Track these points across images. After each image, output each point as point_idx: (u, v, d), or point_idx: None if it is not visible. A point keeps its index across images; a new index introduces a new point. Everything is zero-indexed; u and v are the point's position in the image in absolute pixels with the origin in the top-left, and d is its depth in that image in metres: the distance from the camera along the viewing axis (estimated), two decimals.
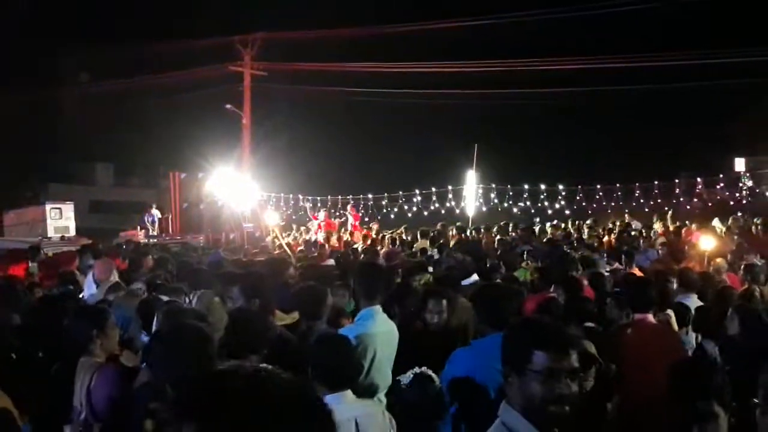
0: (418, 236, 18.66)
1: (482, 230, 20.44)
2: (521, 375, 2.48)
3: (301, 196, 29.53)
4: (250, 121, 31.44)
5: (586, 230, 20.36)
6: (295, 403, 1.26)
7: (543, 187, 26.32)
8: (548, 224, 22.53)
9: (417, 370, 3.65)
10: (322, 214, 24.58)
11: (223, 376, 1.29)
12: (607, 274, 9.08)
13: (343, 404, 3.67)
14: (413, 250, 15.42)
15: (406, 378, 3.66)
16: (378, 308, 5.05)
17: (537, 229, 21.86)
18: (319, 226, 23.25)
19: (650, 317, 5.31)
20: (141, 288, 7.62)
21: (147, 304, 5.64)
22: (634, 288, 5.60)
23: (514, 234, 19.24)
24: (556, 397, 2.42)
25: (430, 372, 3.64)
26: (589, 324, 5.49)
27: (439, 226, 22.20)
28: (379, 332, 4.93)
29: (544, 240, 17.48)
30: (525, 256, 13.10)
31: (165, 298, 5.99)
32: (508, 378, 2.55)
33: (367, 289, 5.10)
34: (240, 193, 24.33)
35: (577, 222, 22.93)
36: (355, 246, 17.82)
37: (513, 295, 4.38)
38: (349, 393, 3.74)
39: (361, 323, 4.97)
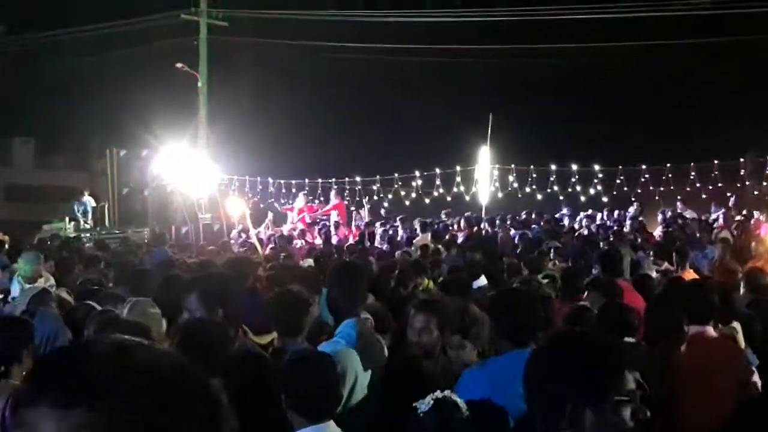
0: (418, 230, 18.68)
1: (498, 222, 20.49)
2: (596, 407, 2.50)
3: (271, 179, 29.44)
4: (207, 84, 31.30)
5: (627, 222, 20.42)
6: (171, 381, 1.29)
7: (574, 167, 26.28)
8: (581, 214, 22.59)
9: (438, 394, 3.63)
10: (300, 201, 24.61)
11: (84, 348, 1.32)
12: (656, 276, 9.12)
13: None
14: (412, 247, 15.44)
15: (424, 404, 3.63)
16: (360, 320, 5.06)
17: (566, 220, 21.92)
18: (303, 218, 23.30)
19: (710, 330, 5.31)
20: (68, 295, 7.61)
21: (76, 315, 5.62)
22: (689, 294, 5.60)
23: (537, 227, 19.30)
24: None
25: (454, 396, 3.62)
26: (630, 339, 5.50)
27: (443, 216, 22.26)
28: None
29: (576, 234, 17.55)
30: (551, 254, 13.14)
31: (98, 307, 5.97)
32: (570, 411, 2.54)
33: (347, 295, 5.11)
34: (195, 175, 24.26)
35: (616, 211, 23.00)
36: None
37: (539, 303, 4.38)
38: (332, 425, 3.76)
39: (339, 339, 4.98)
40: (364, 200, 27.24)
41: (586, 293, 7.26)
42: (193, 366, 1.36)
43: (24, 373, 4.44)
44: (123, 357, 1.28)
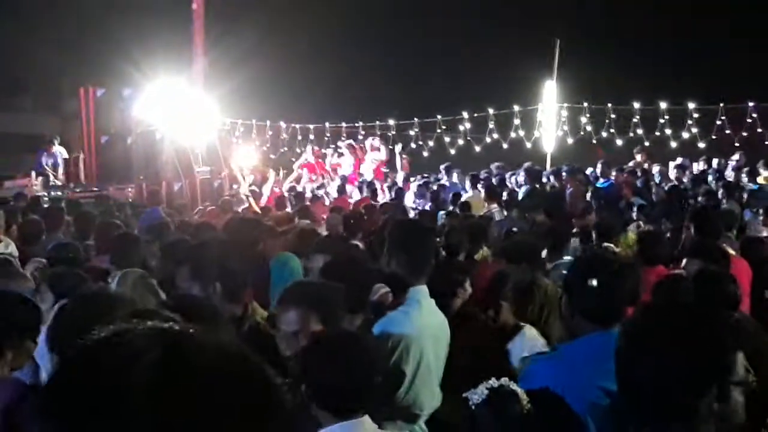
0: (467, 185, 18.65)
1: (565, 174, 20.36)
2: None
3: (283, 124, 29.43)
4: (203, 5, 31.18)
5: (730, 173, 20.23)
6: (228, 378, 1.28)
7: (663, 105, 26.01)
8: (671, 164, 22.38)
9: (493, 383, 3.60)
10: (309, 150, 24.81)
11: (112, 342, 1.30)
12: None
13: None
14: (455, 207, 15.43)
15: (477, 395, 3.61)
16: (425, 290, 5.16)
17: (655, 171, 21.73)
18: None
19: None
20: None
21: (62, 287, 5.63)
22: None
23: (615, 178, 19.19)
24: None
25: (513, 385, 3.59)
26: (735, 315, 5.52)
27: (494, 169, 22.12)
28: (426, 326, 5.03)
29: (666, 188, 17.40)
30: (635, 214, 13.07)
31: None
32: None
33: (412, 259, 5.21)
34: (190, 119, 24.29)
35: (716, 160, 22.75)
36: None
37: (627, 273, 4.32)
38: (366, 421, 3.78)
39: (399, 314, 5.06)
40: (396, 148, 27.04)
41: (684, 261, 7.24)
42: (262, 364, 1.36)
43: (10, 364, 4.48)
44: (174, 359, 1.26)
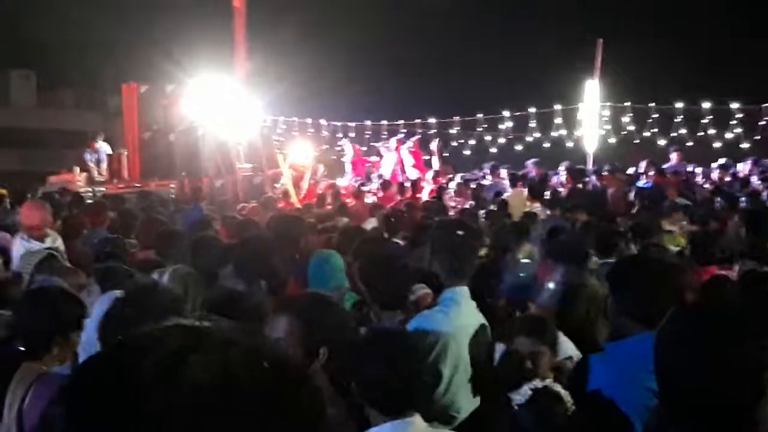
0: (507, 183, 18.62)
1: (606, 173, 20.27)
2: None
3: (325, 122, 29.44)
4: (245, 2, 31.23)
5: None
6: (253, 377, 1.27)
7: (706, 106, 25.81)
8: (713, 165, 22.19)
9: (538, 384, 3.62)
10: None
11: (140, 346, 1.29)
12: None
13: None
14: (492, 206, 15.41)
15: (520, 395, 3.63)
16: (466, 291, 5.13)
17: (697, 171, 21.56)
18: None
19: None
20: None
21: (110, 275, 5.66)
22: None
23: (654, 179, 19.07)
24: None
25: (557, 387, 3.61)
26: None
27: (530, 166, 22.02)
28: (465, 326, 5.00)
29: (710, 189, 17.27)
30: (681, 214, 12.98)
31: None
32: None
33: (452, 260, 5.18)
34: (232, 115, 24.36)
35: (760, 163, 22.53)
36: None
37: (673, 273, 4.31)
38: (417, 420, 3.75)
39: (437, 313, 5.02)
40: (432, 145, 26.97)
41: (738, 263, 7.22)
42: (292, 362, 1.37)
43: (56, 358, 4.54)
44: (192, 357, 1.25)
